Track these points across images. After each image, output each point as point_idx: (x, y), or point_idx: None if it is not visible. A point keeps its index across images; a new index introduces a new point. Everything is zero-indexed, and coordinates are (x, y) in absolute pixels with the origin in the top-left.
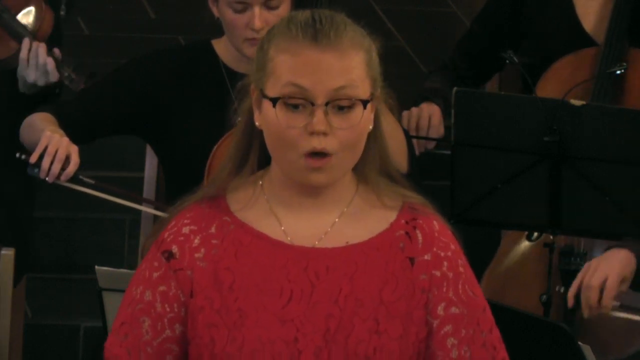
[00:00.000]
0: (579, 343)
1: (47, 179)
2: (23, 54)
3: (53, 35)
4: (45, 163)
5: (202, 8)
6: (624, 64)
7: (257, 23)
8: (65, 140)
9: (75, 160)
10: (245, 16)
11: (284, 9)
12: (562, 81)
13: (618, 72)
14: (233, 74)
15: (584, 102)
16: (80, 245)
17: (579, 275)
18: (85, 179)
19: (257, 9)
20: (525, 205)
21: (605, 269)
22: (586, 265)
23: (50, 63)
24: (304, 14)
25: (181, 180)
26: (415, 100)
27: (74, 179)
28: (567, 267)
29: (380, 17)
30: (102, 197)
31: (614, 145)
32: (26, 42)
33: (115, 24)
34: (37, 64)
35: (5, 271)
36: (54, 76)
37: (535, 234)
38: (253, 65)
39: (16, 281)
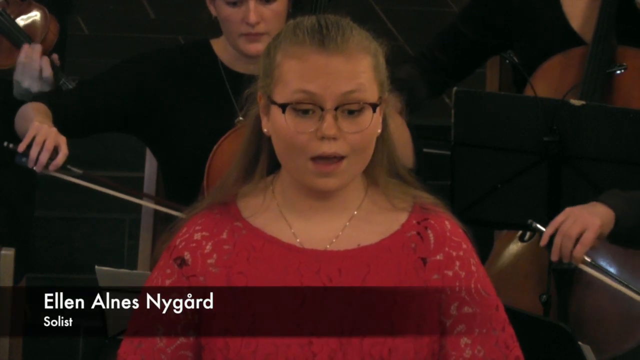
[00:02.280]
0: (579, 343)
1: (34, 168)
2: (21, 58)
3: (57, 46)
4: (33, 152)
5: (201, 8)
6: (624, 64)
7: (252, 17)
8: (54, 130)
9: (64, 150)
10: (240, 11)
11: (280, 4)
12: (552, 81)
13: (618, 72)
14: (231, 73)
15: (583, 102)
16: (80, 245)
17: (558, 218)
18: (74, 169)
19: (252, 3)
20: (525, 205)
21: (586, 221)
22: (567, 210)
23: (46, 69)
24: (310, 20)
25: (180, 180)
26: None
27: (62, 168)
28: (559, 267)
29: (380, 17)
30: (90, 187)
31: (614, 145)
32: (25, 47)
33: (115, 24)
34: (32, 68)
35: (5, 271)
36: (49, 82)
37: (528, 234)
38: (259, 71)
39: (16, 281)
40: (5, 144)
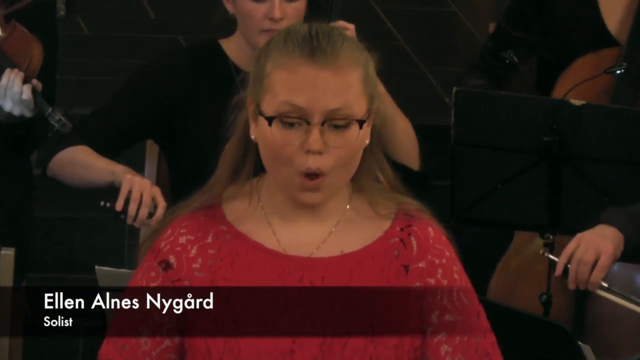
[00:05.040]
0: (579, 343)
1: (134, 224)
2: (3, 82)
3: (45, 66)
4: (132, 209)
5: (214, 8)
6: (624, 63)
7: (277, 12)
8: (147, 182)
9: (162, 203)
10: (264, 6)
11: (302, 2)
12: (582, 80)
13: (618, 71)
14: (242, 73)
15: (583, 102)
16: (80, 245)
17: (570, 246)
18: None
19: None
20: (525, 205)
21: (599, 247)
22: (578, 236)
23: (27, 93)
24: (302, 29)
25: (190, 180)
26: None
27: None
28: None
29: (380, 17)
30: None
31: (614, 145)
32: (7, 72)
33: (115, 24)
34: (13, 92)
35: (5, 271)
36: (29, 107)
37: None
38: (250, 78)
39: (16, 281)
40: (102, 203)
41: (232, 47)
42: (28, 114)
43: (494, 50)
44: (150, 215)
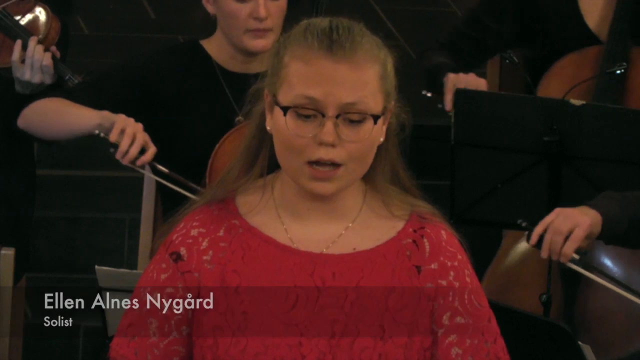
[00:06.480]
0: (579, 343)
1: (121, 160)
2: (14, 56)
3: (59, 44)
4: (125, 144)
5: (195, 8)
6: (624, 63)
7: (262, 11)
8: (140, 125)
9: (152, 147)
10: (248, 6)
11: (284, 1)
12: (565, 79)
13: (618, 71)
14: (227, 73)
15: (583, 102)
16: (80, 245)
17: (548, 217)
18: (160, 167)
19: None
20: (525, 205)
21: (576, 219)
22: (557, 210)
23: (47, 59)
24: (323, 22)
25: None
26: (433, 76)
27: (149, 165)
28: (565, 266)
29: (380, 17)
30: (174, 188)
31: (614, 145)
32: (18, 44)
33: (115, 24)
34: (33, 61)
35: (5, 271)
36: (49, 73)
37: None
38: (268, 69)
39: (16, 281)
40: (97, 132)
41: (214, 48)
42: (48, 80)
43: (464, 33)
44: (139, 155)
